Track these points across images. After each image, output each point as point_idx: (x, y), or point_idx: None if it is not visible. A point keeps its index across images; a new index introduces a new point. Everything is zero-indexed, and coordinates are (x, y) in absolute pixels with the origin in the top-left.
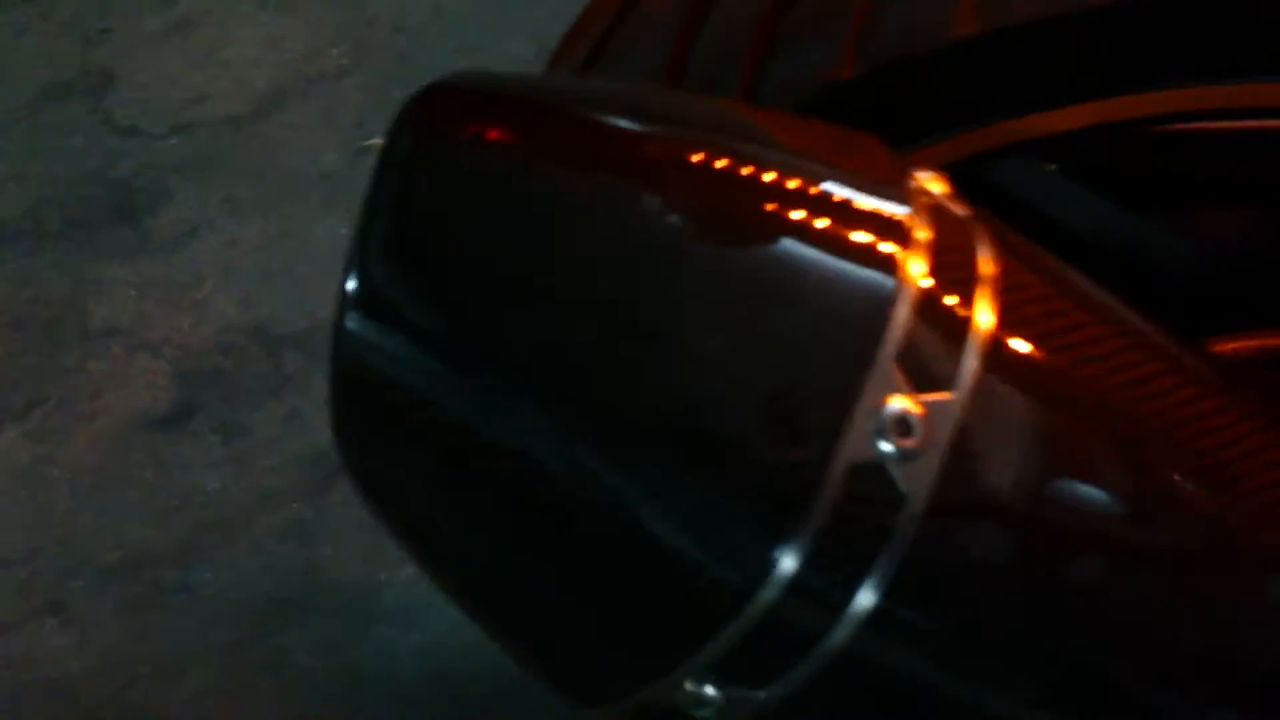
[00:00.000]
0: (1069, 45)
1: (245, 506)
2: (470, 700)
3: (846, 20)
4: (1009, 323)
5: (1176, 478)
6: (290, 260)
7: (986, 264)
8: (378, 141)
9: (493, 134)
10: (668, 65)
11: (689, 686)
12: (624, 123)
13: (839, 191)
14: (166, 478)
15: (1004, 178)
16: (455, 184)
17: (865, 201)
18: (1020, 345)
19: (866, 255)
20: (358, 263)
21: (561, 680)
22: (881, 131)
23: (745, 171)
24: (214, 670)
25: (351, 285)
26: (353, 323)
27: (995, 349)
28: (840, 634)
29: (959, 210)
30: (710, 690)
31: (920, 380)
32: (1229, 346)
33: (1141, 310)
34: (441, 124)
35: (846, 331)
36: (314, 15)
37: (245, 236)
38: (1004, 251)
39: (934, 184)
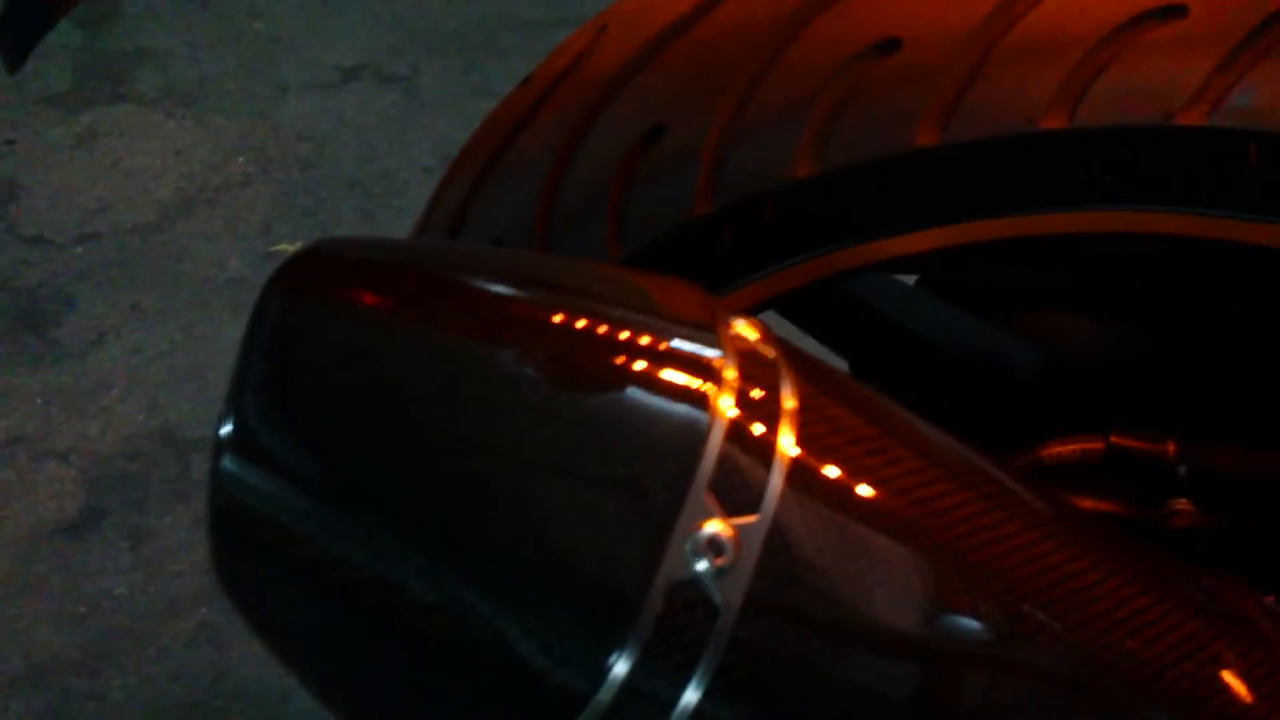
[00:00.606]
0: (898, 181)
1: (154, 612)
2: None
3: (699, 161)
4: (810, 450)
5: (967, 589)
6: (197, 365)
7: (789, 399)
8: (285, 247)
9: (356, 295)
10: (538, 209)
11: None
12: (476, 284)
13: (659, 341)
14: (74, 585)
15: (861, 291)
16: (323, 340)
17: (681, 347)
18: (820, 469)
19: (682, 395)
20: (233, 410)
21: None
22: (740, 257)
23: (579, 325)
24: None
25: (226, 430)
26: (228, 464)
27: (797, 473)
28: None
29: (767, 352)
30: None
31: (730, 505)
32: (1052, 450)
33: (952, 434)
34: (311, 285)
35: (665, 465)
36: (219, 125)
37: (152, 343)
38: (809, 387)
39: (746, 329)
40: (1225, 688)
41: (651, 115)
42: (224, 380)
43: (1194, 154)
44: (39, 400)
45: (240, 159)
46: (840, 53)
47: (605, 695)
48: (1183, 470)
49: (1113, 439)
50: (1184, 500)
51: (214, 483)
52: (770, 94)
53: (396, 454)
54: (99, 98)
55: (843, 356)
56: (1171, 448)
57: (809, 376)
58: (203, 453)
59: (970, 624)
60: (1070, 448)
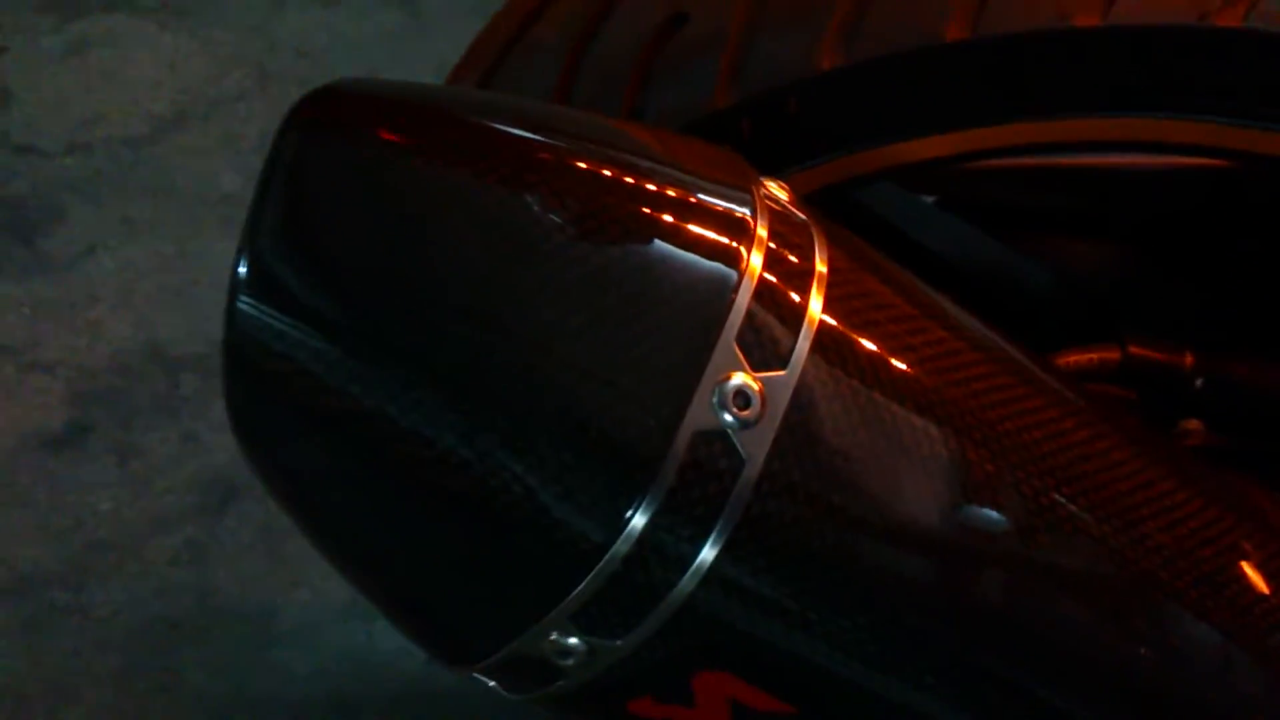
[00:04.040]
0: (927, 78)
1: (139, 529)
2: None
3: (720, 52)
4: (837, 312)
5: (990, 460)
6: (188, 282)
7: (820, 261)
8: None
9: (379, 131)
10: (553, 93)
11: (554, 637)
12: (503, 128)
13: (692, 195)
14: (59, 499)
15: (877, 204)
16: (343, 176)
17: (714, 203)
18: (846, 331)
19: (713, 250)
20: (249, 248)
21: (437, 639)
22: (754, 157)
23: (612, 175)
24: (107, 693)
25: (243, 269)
26: (244, 303)
27: (824, 333)
28: (686, 585)
29: (799, 214)
30: (574, 640)
31: (758, 359)
32: (1069, 359)
33: (976, 313)
34: (332, 120)
35: (694, 315)
36: (215, 39)
37: (142, 257)
38: (839, 251)
39: (779, 190)
40: (1241, 574)
41: (673, 3)
42: (215, 298)
43: (1229, 58)
44: (26, 311)
45: (236, 73)
46: None
47: (622, 547)
48: (1199, 383)
49: (1130, 348)
50: (1195, 421)
51: (230, 321)
52: None
53: (416, 294)
54: (94, 6)
55: None
56: (1189, 359)
57: (839, 241)
58: (192, 370)
59: (991, 497)
60: (1088, 356)
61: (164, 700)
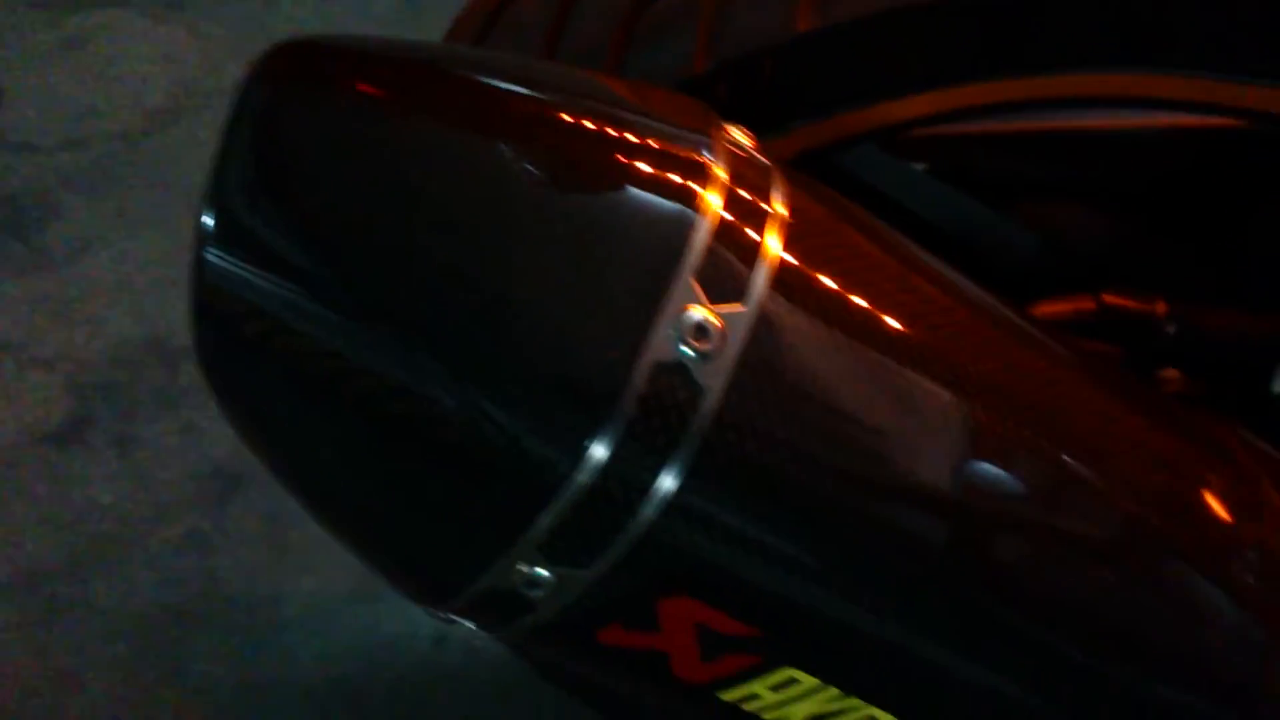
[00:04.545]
0: (901, 38)
1: (142, 520)
2: (370, 704)
3: (697, 19)
4: (797, 250)
5: (945, 390)
6: (185, 274)
7: (780, 203)
8: None
9: (344, 83)
10: None
11: (522, 568)
12: (471, 77)
13: (654, 139)
14: (62, 492)
15: (858, 168)
16: (315, 123)
17: (675, 147)
18: (806, 269)
19: (673, 190)
20: (214, 201)
21: (413, 579)
22: (738, 118)
23: (576, 121)
24: (113, 681)
25: (209, 221)
26: (212, 257)
27: (783, 271)
28: (648, 514)
29: (760, 159)
30: (542, 571)
31: (717, 294)
32: (1046, 310)
33: (943, 258)
34: (298, 71)
35: (654, 251)
36: (209, 32)
37: (139, 250)
38: (802, 194)
39: (742, 137)
40: (1203, 503)
41: None
42: None
43: (1217, 10)
44: (25, 308)
45: (231, 65)
46: None
47: (584, 476)
48: (1171, 329)
49: (1105, 298)
50: (1174, 370)
51: (197, 271)
52: None
53: (384, 240)
54: (87, 1)
55: None
56: (1161, 307)
57: (803, 186)
58: (191, 360)
59: (947, 429)
60: (1064, 306)
61: (171, 689)
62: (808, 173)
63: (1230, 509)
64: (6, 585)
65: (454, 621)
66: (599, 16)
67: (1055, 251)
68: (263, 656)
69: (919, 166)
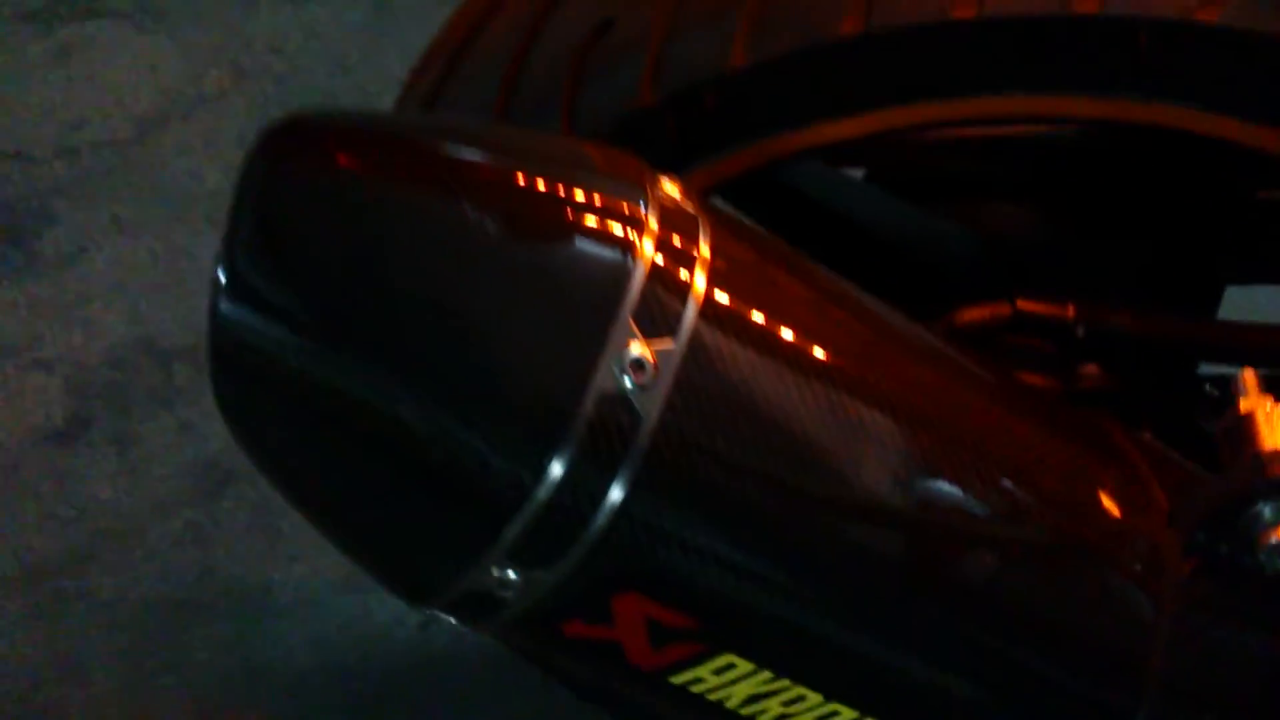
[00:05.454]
0: (822, 69)
1: (141, 514)
2: (363, 688)
3: (645, 53)
4: (721, 288)
5: (852, 400)
6: (178, 276)
7: (705, 246)
8: None
9: (333, 155)
10: (499, 97)
11: (495, 572)
12: (435, 147)
13: (593, 196)
14: (63, 490)
15: (800, 180)
16: (305, 194)
17: (612, 202)
18: (729, 304)
19: (611, 241)
20: (226, 260)
21: (401, 581)
22: (684, 145)
23: (526, 183)
24: (116, 671)
25: (222, 276)
26: (224, 306)
27: (709, 306)
28: (601, 522)
29: (688, 207)
30: (510, 574)
31: (651, 331)
32: (966, 316)
33: (853, 284)
34: (291, 148)
35: (597, 296)
36: (190, 40)
37: (132, 255)
38: (725, 237)
39: (671, 188)
40: (1090, 498)
41: (602, 8)
42: (204, 290)
43: (1090, 41)
44: (23, 312)
45: (214, 72)
46: None
47: (543, 491)
48: (1080, 331)
49: (1018, 303)
50: (1093, 365)
51: (212, 321)
52: None
53: (366, 293)
54: (73, 13)
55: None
56: (1071, 311)
57: (724, 228)
58: (184, 360)
59: (855, 438)
60: (980, 312)
61: (172, 677)
62: (752, 188)
63: (1121, 506)
64: (12, 579)
65: (437, 616)
66: (555, 50)
67: (985, 248)
68: (259, 643)
69: (857, 173)
